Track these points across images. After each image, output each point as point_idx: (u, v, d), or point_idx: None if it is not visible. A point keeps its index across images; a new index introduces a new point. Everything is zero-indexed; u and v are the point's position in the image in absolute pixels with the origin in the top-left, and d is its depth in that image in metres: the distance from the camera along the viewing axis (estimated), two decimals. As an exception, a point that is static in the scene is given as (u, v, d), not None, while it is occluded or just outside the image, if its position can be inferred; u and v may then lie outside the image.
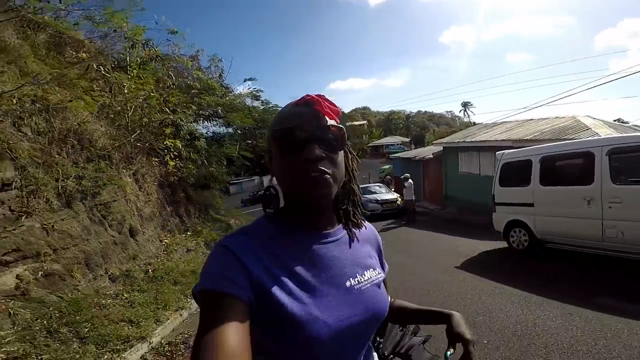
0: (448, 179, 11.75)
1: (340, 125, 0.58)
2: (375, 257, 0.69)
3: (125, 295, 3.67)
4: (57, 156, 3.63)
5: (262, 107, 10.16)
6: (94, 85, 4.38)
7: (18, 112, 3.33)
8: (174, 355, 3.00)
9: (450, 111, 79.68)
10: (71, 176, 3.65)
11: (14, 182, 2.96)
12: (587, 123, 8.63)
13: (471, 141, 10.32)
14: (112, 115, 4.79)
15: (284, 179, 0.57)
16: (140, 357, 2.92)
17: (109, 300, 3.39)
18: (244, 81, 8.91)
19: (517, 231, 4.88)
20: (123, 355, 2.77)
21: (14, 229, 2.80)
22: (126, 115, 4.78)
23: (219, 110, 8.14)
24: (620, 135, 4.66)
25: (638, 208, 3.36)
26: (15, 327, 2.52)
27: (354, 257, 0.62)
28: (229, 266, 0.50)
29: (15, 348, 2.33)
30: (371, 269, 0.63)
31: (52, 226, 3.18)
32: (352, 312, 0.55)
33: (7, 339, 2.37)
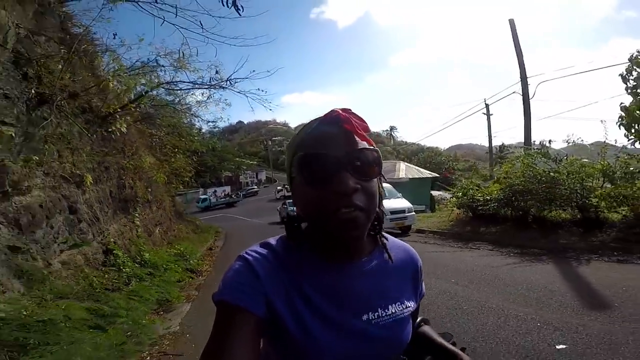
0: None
1: (376, 148, 0.52)
2: (409, 286, 0.64)
3: (180, 242, 9.21)
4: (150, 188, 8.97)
5: (220, 146, 15.66)
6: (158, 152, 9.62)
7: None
8: (208, 257, 8.75)
9: (386, 130, 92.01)
10: (157, 194, 9.03)
11: (153, 197, 8.33)
12: (397, 167, 16.90)
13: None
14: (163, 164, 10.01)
15: (309, 213, 0.52)
16: (201, 252, 8.64)
17: (182, 240, 8.95)
18: (207, 123, 13.14)
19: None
20: (200, 248, 8.49)
21: (155, 212, 8.23)
22: (170, 161, 10.14)
23: (197, 150, 13.46)
24: None
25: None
26: (167, 245, 8.02)
27: (380, 290, 0.58)
28: (247, 280, 0.50)
29: (178, 245, 7.90)
30: (397, 303, 0.59)
31: (162, 213, 8.63)
32: (364, 346, 0.54)
33: (172, 246, 7.91)
